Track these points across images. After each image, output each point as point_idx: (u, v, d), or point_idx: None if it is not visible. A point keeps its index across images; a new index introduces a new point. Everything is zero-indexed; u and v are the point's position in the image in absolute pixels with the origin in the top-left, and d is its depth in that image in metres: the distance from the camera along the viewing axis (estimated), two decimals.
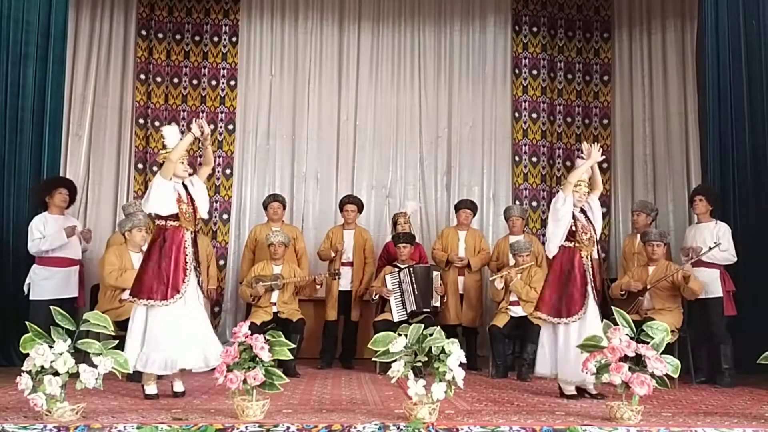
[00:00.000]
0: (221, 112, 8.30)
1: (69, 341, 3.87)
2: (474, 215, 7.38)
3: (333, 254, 6.98)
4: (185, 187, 4.88)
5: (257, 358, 3.91)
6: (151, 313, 4.69)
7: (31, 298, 6.09)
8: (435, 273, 6.70)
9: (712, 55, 6.55)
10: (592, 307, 4.98)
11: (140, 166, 8.12)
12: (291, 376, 5.23)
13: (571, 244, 5.07)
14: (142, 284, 4.71)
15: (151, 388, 4.73)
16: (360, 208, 7.32)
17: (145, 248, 6.11)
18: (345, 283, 7.04)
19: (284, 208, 7.27)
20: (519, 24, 8.60)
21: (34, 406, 3.73)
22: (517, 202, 8.26)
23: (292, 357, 4.29)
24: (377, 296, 6.76)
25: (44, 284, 6.08)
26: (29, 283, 6.13)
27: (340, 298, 7.04)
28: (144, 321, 4.69)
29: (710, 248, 5.87)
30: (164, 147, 4.88)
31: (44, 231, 6.08)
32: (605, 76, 8.63)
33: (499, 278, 6.37)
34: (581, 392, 4.91)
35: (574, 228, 5.05)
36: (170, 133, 4.89)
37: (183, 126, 8.18)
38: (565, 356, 4.90)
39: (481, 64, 8.63)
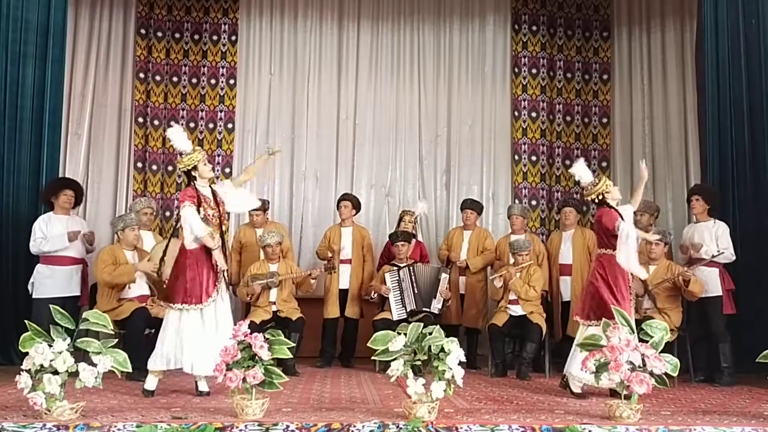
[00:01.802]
0: (220, 111, 8.29)
1: (68, 340, 3.87)
2: (479, 214, 7.34)
3: (330, 254, 6.95)
4: (213, 191, 4.93)
5: (257, 357, 3.91)
6: (184, 317, 4.74)
7: (34, 296, 6.09)
8: (444, 275, 6.63)
9: (711, 54, 6.56)
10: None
11: (139, 164, 8.11)
12: (290, 375, 5.22)
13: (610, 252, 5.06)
14: (177, 289, 4.77)
15: (149, 384, 4.74)
16: (355, 205, 7.28)
17: (140, 245, 6.16)
18: (344, 281, 7.03)
19: (266, 211, 7.16)
20: (518, 23, 8.60)
21: (34, 405, 3.73)
22: (517, 201, 8.26)
23: (291, 356, 4.29)
24: (375, 295, 6.74)
25: (47, 282, 6.07)
26: (32, 282, 6.13)
27: (339, 296, 7.02)
28: (177, 324, 4.75)
29: (713, 256, 5.88)
30: (181, 154, 4.93)
31: (46, 231, 6.08)
32: (604, 75, 8.63)
33: (498, 277, 6.37)
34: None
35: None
36: (176, 135, 4.90)
37: (182, 125, 8.18)
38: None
39: (481, 62, 8.63)
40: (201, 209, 4.79)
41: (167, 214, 8.08)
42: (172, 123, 8.07)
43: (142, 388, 4.75)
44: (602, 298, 4.96)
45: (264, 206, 7.15)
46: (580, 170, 5.27)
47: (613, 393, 4.72)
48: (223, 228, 4.98)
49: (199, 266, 4.78)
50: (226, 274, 4.99)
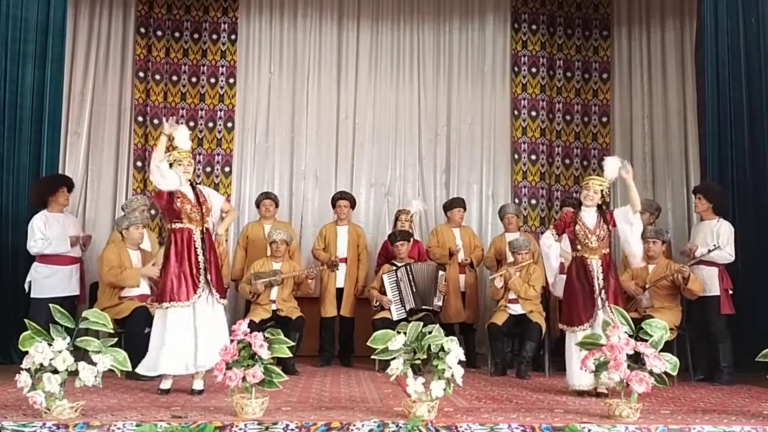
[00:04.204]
0: (220, 110, 8.29)
1: (68, 339, 3.87)
2: (465, 211, 7.39)
3: (331, 261, 6.94)
4: (194, 189, 4.91)
5: (256, 356, 3.91)
6: (170, 315, 4.74)
7: (32, 296, 6.07)
8: (441, 273, 6.64)
9: (711, 53, 6.56)
10: (601, 315, 4.92)
11: (139, 164, 8.10)
12: (290, 374, 5.23)
13: (576, 253, 5.12)
14: (164, 288, 4.75)
15: (164, 384, 4.78)
16: (353, 204, 7.31)
17: (143, 245, 6.17)
18: (340, 279, 7.01)
19: (276, 206, 7.25)
20: (518, 22, 8.60)
21: (33, 404, 3.73)
22: (516, 200, 8.27)
23: (291, 355, 4.28)
24: (378, 303, 6.73)
25: (46, 282, 6.07)
26: (30, 281, 6.13)
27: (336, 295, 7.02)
28: (163, 324, 4.76)
29: (709, 251, 5.87)
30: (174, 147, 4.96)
31: (45, 231, 6.06)
32: (604, 74, 8.63)
33: (498, 276, 6.37)
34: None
35: (574, 234, 5.07)
36: (181, 133, 4.91)
37: (182, 123, 8.19)
38: (571, 362, 4.94)
39: (480, 62, 8.62)
40: (177, 205, 4.79)
41: None
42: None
43: (158, 388, 4.78)
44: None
45: (276, 199, 7.23)
46: (609, 165, 5.19)
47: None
48: (205, 225, 4.89)
49: (182, 263, 4.76)
50: (206, 271, 4.81)
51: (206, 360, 4.65)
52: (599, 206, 5.18)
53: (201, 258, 4.79)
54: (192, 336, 4.73)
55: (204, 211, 4.87)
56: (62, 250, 6.08)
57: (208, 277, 4.80)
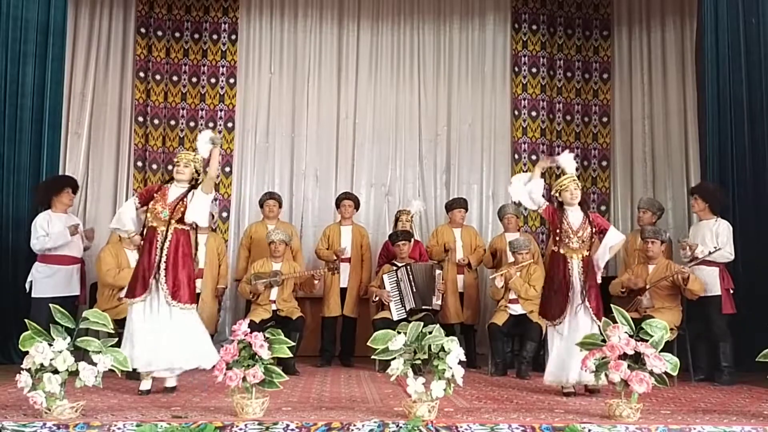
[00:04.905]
0: (220, 110, 8.29)
1: (68, 339, 3.87)
2: (467, 211, 7.39)
3: (335, 257, 6.95)
4: (189, 191, 4.96)
5: (256, 356, 3.92)
6: (133, 310, 4.80)
7: (33, 295, 6.09)
8: (438, 272, 6.66)
9: (711, 53, 6.56)
10: (574, 313, 4.94)
11: (139, 164, 8.11)
12: (290, 374, 5.23)
13: (558, 249, 5.11)
14: (129, 284, 4.92)
15: (143, 384, 4.79)
16: (357, 204, 7.33)
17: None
18: (343, 279, 7.03)
19: (280, 206, 7.28)
20: (518, 22, 8.60)
21: (34, 404, 3.73)
22: (516, 201, 8.25)
23: (291, 355, 4.27)
24: (377, 298, 6.74)
25: (46, 282, 6.08)
26: (31, 281, 6.13)
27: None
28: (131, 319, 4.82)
29: (710, 252, 5.87)
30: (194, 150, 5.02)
31: (48, 229, 6.08)
32: (605, 74, 8.63)
33: (499, 276, 6.36)
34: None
35: (558, 231, 5.07)
36: (202, 138, 4.97)
37: (182, 124, 8.22)
38: (551, 357, 5.01)
39: (481, 62, 8.63)
40: (150, 204, 4.90)
41: None
42: (172, 122, 8.21)
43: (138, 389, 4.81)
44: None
45: (279, 199, 7.28)
46: (566, 162, 5.28)
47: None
48: (173, 225, 4.86)
49: (142, 260, 4.85)
50: (162, 270, 4.79)
51: (167, 359, 4.72)
52: (581, 204, 5.22)
53: (157, 257, 4.80)
54: (146, 333, 4.74)
55: (173, 211, 4.85)
56: (62, 242, 6.09)
57: (160, 277, 4.78)
